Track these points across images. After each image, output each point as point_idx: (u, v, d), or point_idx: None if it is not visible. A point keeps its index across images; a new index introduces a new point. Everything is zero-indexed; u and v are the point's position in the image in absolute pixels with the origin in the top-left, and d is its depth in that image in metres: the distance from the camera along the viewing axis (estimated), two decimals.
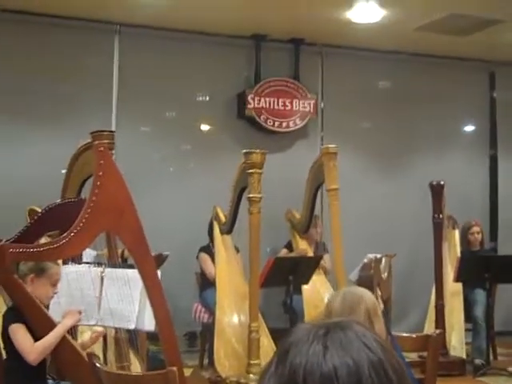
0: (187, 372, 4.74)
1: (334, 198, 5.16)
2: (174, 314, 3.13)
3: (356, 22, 6.05)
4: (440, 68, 7.42)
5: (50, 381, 3.27)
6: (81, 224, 2.93)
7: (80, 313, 3.23)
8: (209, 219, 5.79)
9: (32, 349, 3.01)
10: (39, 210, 3.83)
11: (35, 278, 3.17)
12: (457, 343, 5.71)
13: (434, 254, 5.73)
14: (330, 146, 5.30)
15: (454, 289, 5.83)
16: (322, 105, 7.05)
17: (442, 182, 5.73)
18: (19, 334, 3.04)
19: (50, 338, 3.04)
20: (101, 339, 3.75)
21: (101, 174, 2.96)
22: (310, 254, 6.04)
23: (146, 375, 3.05)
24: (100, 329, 3.39)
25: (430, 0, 5.71)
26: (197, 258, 5.83)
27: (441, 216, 5.71)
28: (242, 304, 5.26)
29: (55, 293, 3.27)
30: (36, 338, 3.06)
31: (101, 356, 3.89)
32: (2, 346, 3.26)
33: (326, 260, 5.97)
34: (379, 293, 4.83)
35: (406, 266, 6.78)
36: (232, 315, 5.33)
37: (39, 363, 3.06)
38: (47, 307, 3.31)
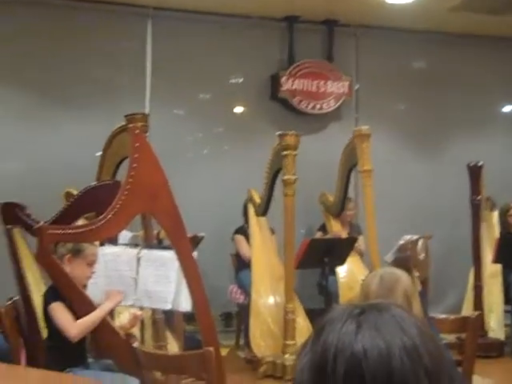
0: (223, 352, 4.77)
1: (368, 180, 5.13)
2: (209, 295, 3.15)
3: (390, 2, 5.97)
4: (476, 48, 7.28)
5: (91, 359, 3.33)
6: (117, 206, 2.97)
7: (122, 294, 3.26)
8: (243, 201, 5.80)
9: (73, 325, 3.06)
10: (75, 193, 3.88)
11: (72, 258, 3.22)
12: (495, 325, 5.65)
13: (472, 236, 5.67)
14: (362, 127, 5.27)
15: (492, 270, 5.76)
16: (357, 86, 6.98)
17: (480, 163, 5.65)
18: (59, 311, 3.09)
19: (92, 317, 3.09)
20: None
21: (136, 156, 2.99)
22: (344, 236, 6.01)
23: (183, 355, 3.08)
24: (138, 312, 3.42)
25: None
26: (232, 239, 5.85)
27: (479, 197, 5.63)
28: (278, 285, 5.28)
29: (92, 273, 3.32)
30: (74, 317, 3.11)
31: (138, 336, 3.94)
32: (43, 325, 3.32)
33: (361, 242, 5.94)
34: (416, 274, 4.79)
35: (444, 248, 6.71)
36: (267, 296, 5.35)
37: (79, 342, 3.11)
38: (85, 288, 3.35)
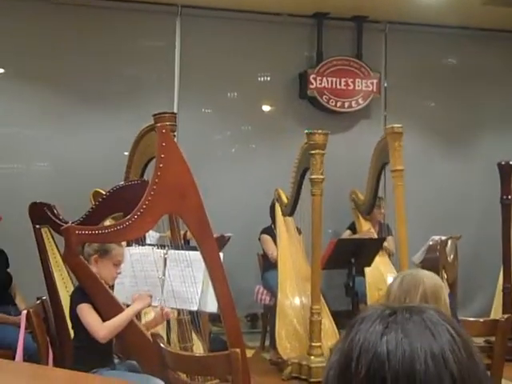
0: (249, 353, 4.77)
1: (399, 180, 5.06)
2: (235, 296, 3.14)
3: None
4: (507, 43, 7.16)
5: (116, 360, 3.33)
6: (144, 206, 2.96)
7: (150, 297, 3.26)
8: (271, 200, 5.77)
9: (102, 326, 3.07)
10: (103, 193, 3.89)
11: (99, 258, 3.23)
12: None
13: (502, 236, 5.57)
14: (395, 125, 5.19)
15: None
16: (386, 84, 6.91)
17: (511, 162, 5.55)
18: (87, 312, 3.10)
19: (120, 319, 3.09)
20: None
21: (163, 156, 2.98)
22: (374, 235, 5.96)
23: (209, 356, 3.07)
24: (167, 308, 3.41)
25: None
26: (259, 239, 5.83)
27: (509, 197, 5.54)
28: (304, 286, 5.25)
29: (118, 273, 3.32)
30: (101, 318, 3.11)
31: (164, 337, 3.94)
32: (70, 325, 3.34)
33: (390, 242, 5.88)
34: (445, 276, 4.73)
35: (473, 249, 6.63)
36: (294, 297, 5.32)
37: (105, 343, 3.12)
38: (112, 288, 3.36)
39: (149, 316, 3.81)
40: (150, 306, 3.35)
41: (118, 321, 3.09)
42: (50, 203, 3.93)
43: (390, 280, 5.38)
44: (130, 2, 6.12)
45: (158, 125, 3.71)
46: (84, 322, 3.10)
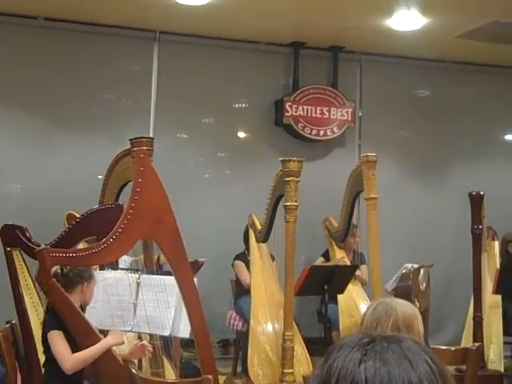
0: (220, 380, 4.72)
1: (372, 208, 5.10)
2: (208, 321, 3.13)
3: (397, 29, 6.00)
4: (481, 76, 7.32)
5: None
6: (120, 230, 2.95)
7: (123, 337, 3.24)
8: (244, 226, 5.78)
9: (69, 358, 3.04)
10: (78, 215, 3.87)
11: (88, 285, 3.23)
12: (495, 357, 5.59)
13: (473, 266, 5.62)
14: (369, 154, 5.24)
15: (492, 301, 5.72)
16: (360, 113, 7.00)
17: (481, 192, 5.63)
18: (57, 340, 3.07)
19: (90, 352, 3.07)
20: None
21: (140, 180, 2.98)
22: (348, 263, 5.99)
23: (181, 382, 3.04)
24: (145, 342, 3.38)
25: (472, 7, 5.63)
26: (232, 265, 5.83)
27: (480, 227, 5.61)
28: (277, 312, 5.24)
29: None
30: (74, 342, 3.08)
31: (136, 362, 3.90)
32: (40, 349, 3.29)
33: (364, 271, 5.90)
34: (417, 304, 4.76)
35: (444, 277, 6.68)
36: (266, 323, 5.30)
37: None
38: (83, 310, 3.33)
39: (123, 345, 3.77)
40: (123, 344, 3.32)
41: (88, 353, 3.06)
42: (22, 226, 3.90)
43: (362, 307, 5.42)
44: (108, 26, 6.14)
45: (135, 149, 3.72)
46: (53, 350, 3.07)
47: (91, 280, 3.25)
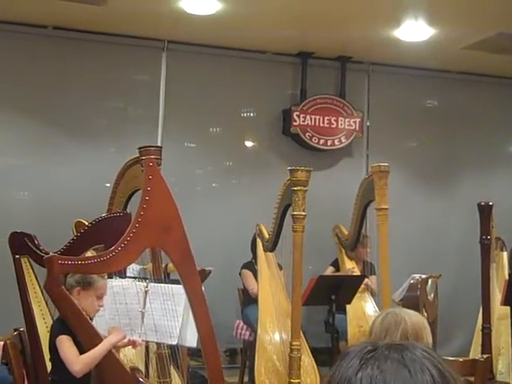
0: None
1: (384, 218, 5.08)
2: (215, 331, 3.12)
3: (404, 40, 6.01)
4: (488, 87, 7.32)
5: None
6: (128, 238, 2.95)
7: (123, 331, 3.23)
8: (252, 235, 5.77)
9: (77, 360, 3.04)
10: (86, 223, 3.87)
11: (82, 290, 3.21)
12: (504, 368, 5.56)
13: (482, 276, 5.60)
14: (381, 164, 5.23)
15: (501, 312, 5.68)
16: (368, 123, 7.00)
17: (490, 203, 5.61)
18: (65, 344, 3.06)
19: (96, 352, 3.06)
20: (143, 353, 3.76)
21: (149, 189, 2.98)
22: (357, 273, 5.96)
23: None
24: (138, 339, 3.37)
25: (478, 19, 5.64)
26: (239, 274, 5.82)
27: (489, 237, 5.58)
28: (284, 322, 5.22)
29: (101, 306, 3.30)
30: (82, 350, 3.08)
31: (143, 371, 3.89)
32: (47, 357, 3.29)
33: (374, 281, 5.88)
34: (425, 314, 4.74)
35: (452, 288, 6.66)
36: (273, 333, 5.29)
37: (82, 376, 3.08)
38: (91, 320, 3.33)
39: (127, 350, 3.76)
40: (124, 338, 3.31)
41: (94, 353, 3.05)
42: (30, 233, 3.90)
43: (370, 317, 5.40)
44: (117, 35, 6.17)
45: (144, 158, 3.72)
46: (61, 354, 3.07)
47: (89, 287, 3.22)
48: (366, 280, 5.74)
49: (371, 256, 5.98)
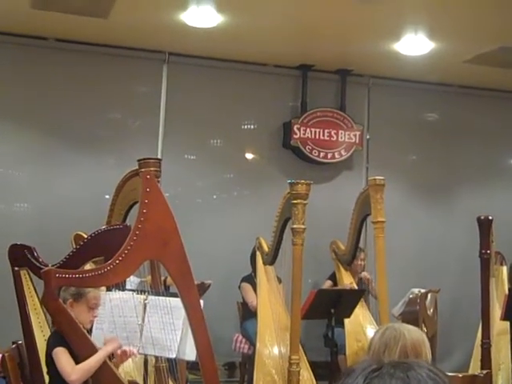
0: None
1: (380, 231, 5.08)
2: (214, 344, 3.10)
3: (404, 54, 6.03)
4: (488, 101, 7.33)
5: None
6: (126, 251, 2.94)
7: (121, 346, 3.22)
8: (251, 248, 5.77)
9: (73, 370, 3.03)
10: (85, 236, 3.87)
11: (74, 302, 3.20)
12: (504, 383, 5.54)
13: (481, 291, 5.58)
14: (377, 177, 5.23)
15: (501, 327, 5.66)
16: (368, 136, 7.01)
17: (490, 217, 5.60)
18: (62, 356, 3.06)
19: (91, 362, 3.05)
20: (142, 367, 3.75)
21: (147, 201, 2.97)
22: (354, 287, 5.96)
23: None
24: (134, 349, 3.36)
25: (479, 33, 5.65)
26: (239, 287, 5.80)
27: (488, 251, 5.57)
28: (283, 335, 5.20)
29: (94, 317, 3.29)
30: (78, 362, 3.07)
31: None
32: (45, 370, 3.28)
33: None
34: (425, 329, 4.72)
35: (451, 302, 6.64)
36: (272, 347, 5.27)
37: None
38: (89, 332, 3.32)
39: (126, 363, 3.74)
40: (120, 348, 3.29)
41: (89, 363, 3.05)
42: (30, 245, 3.89)
43: (369, 332, 5.38)
44: (118, 47, 6.19)
45: (143, 170, 3.72)
46: (58, 365, 3.07)
47: (80, 299, 3.22)
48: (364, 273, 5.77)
49: (369, 269, 5.98)
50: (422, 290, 5.76)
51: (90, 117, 6.16)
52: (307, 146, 6.65)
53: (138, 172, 3.92)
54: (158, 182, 3.60)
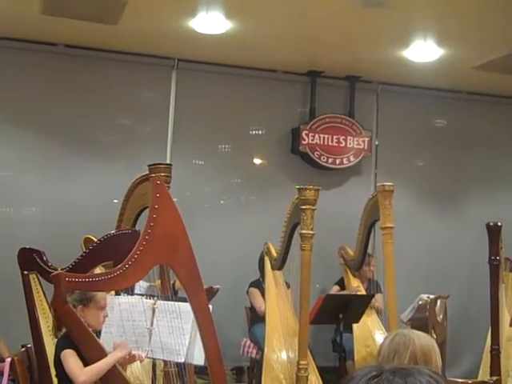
0: None
1: (388, 237, 5.08)
2: (222, 349, 3.11)
3: (413, 60, 6.03)
4: (497, 108, 7.32)
5: None
6: (135, 256, 2.95)
7: (129, 346, 3.23)
8: (260, 253, 5.77)
9: (82, 372, 3.04)
10: (95, 239, 3.89)
11: (84, 308, 3.22)
12: None
13: (491, 297, 5.56)
14: (386, 183, 5.24)
15: (510, 333, 5.65)
16: (377, 142, 7.01)
17: (499, 223, 5.59)
18: (70, 358, 3.07)
19: (100, 365, 3.06)
20: (150, 371, 3.76)
21: (156, 207, 2.99)
22: (363, 292, 5.95)
23: None
24: (142, 354, 3.37)
25: (487, 39, 5.65)
26: (247, 292, 5.81)
27: (498, 258, 5.55)
28: (291, 340, 5.20)
29: (105, 316, 3.31)
30: (86, 365, 3.08)
31: None
32: (54, 373, 3.29)
33: (379, 299, 5.86)
34: (434, 336, 4.70)
35: (460, 309, 6.62)
36: (280, 351, 5.27)
37: None
38: (98, 335, 3.33)
39: (134, 366, 3.75)
40: (130, 354, 3.30)
41: (99, 366, 3.05)
42: (39, 249, 3.91)
43: (377, 337, 5.38)
44: (127, 53, 6.22)
45: (153, 175, 3.74)
46: (66, 367, 3.08)
47: (89, 303, 3.24)
48: (377, 304, 5.75)
49: (378, 275, 5.97)
50: (431, 296, 5.73)
51: (100, 122, 6.18)
52: (316, 152, 6.66)
53: (148, 177, 3.94)
54: (168, 187, 3.61)
